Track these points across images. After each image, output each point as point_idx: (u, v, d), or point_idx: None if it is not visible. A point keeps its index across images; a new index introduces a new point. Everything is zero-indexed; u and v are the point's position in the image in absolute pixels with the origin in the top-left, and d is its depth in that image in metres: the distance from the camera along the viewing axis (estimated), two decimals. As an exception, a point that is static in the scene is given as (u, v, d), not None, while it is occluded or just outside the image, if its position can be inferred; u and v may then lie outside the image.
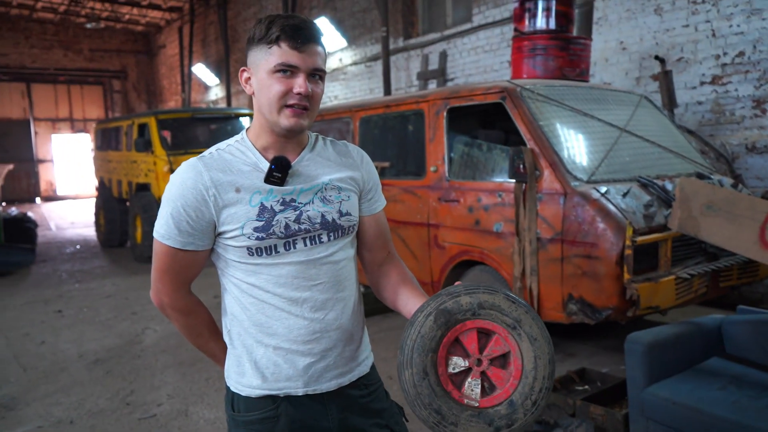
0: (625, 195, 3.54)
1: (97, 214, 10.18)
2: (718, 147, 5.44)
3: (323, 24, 10.57)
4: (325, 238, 1.39)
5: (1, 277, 7.72)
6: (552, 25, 4.59)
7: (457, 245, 4.19)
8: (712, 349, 2.98)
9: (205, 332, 1.49)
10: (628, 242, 3.29)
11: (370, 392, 1.50)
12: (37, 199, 20.01)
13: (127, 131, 9.03)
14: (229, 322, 1.43)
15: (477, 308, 1.26)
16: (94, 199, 10.55)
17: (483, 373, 1.25)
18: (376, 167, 4.96)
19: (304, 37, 1.31)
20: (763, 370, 2.78)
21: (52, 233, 12.01)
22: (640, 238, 3.35)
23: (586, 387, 3.40)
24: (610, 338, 4.44)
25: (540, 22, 4.61)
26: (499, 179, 4.00)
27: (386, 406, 1.53)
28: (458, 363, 1.26)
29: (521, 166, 3.69)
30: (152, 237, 1.38)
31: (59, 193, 20.64)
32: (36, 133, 20.12)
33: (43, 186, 20.35)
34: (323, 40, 1.37)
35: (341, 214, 1.42)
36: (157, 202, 7.58)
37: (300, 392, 1.39)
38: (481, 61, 8.06)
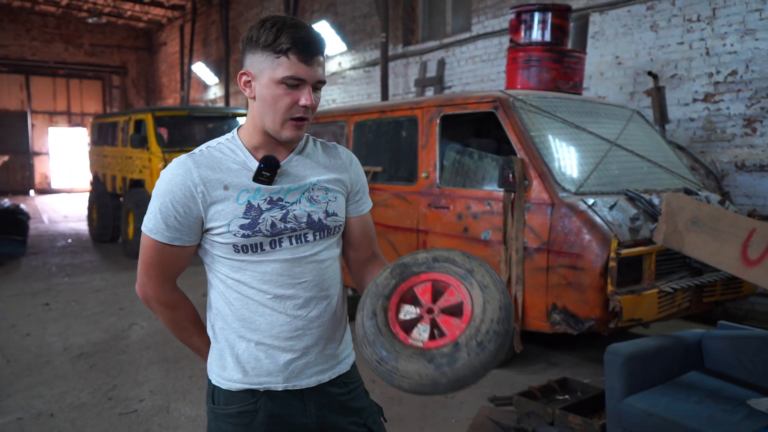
0: (612, 207, 3.58)
1: (90, 209, 10.17)
2: (708, 164, 5.49)
3: (324, 28, 10.63)
4: (310, 237, 1.41)
5: (-9, 268, 7.70)
6: (547, 37, 4.64)
7: (445, 252, 4.21)
8: (691, 363, 3.01)
9: (190, 326, 1.51)
10: (612, 254, 3.33)
11: (350, 390, 1.52)
12: (31, 192, 19.94)
13: (123, 127, 9.03)
14: (213, 317, 1.45)
15: (432, 261, 1.34)
16: (88, 194, 10.53)
17: (434, 321, 1.27)
18: (369, 171, 5.00)
19: (314, 50, 1.32)
20: (741, 385, 2.81)
21: (45, 226, 11.98)
22: (624, 251, 3.38)
23: (567, 396, 3.42)
24: (594, 349, 4.47)
25: (535, 34, 4.65)
26: (488, 188, 4.03)
27: (365, 405, 1.55)
28: (409, 310, 1.30)
29: (511, 175, 3.72)
30: None
31: (54, 186, 20.58)
32: (33, 125, 20.08)
33: (37, 179, 20.29)
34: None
35: (327, 214, 1.44)
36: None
37: (280, 387, 1.41)
38: (478, 70, 8.11)
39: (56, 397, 3.65)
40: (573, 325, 3.47)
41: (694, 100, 5.67)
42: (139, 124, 8.41)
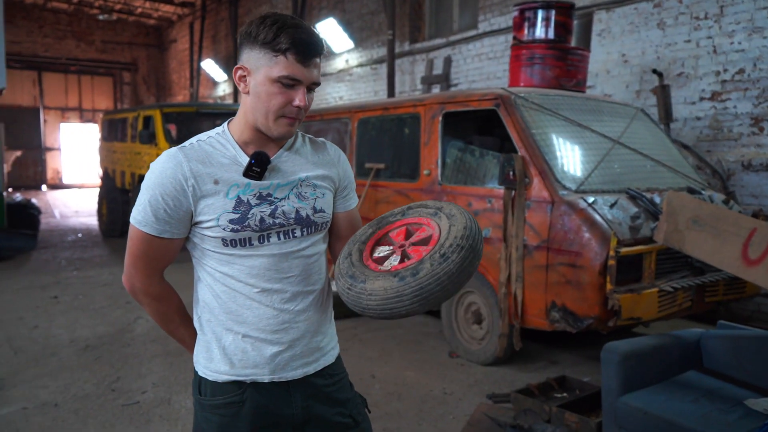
0: (612, 206, 3.57)
1: (99, 204, 10.27)
2: (714, 163, 5.46)
3: (331, 25, 10.64)
4: (298, 233, 1.43)
5: (2, 261, 7.79)
6: (551, 34, 4.62)
7: (446, 249, 4.22)
8: (690, 362, 3.01)
9: (176, 318, 1.53)
10: (612, 253, 3.32)
11: (335, 382, 1.54)
12: (43, 187, 20.15)
13: (132, 123, 9.11)
14: (201, 309, 1.47)
15: (406, 210, 1.47)
16: (98, 189, 10.63)
17: (404, 252, 1.35)
18: (372, 168, 5.02)
19: (312, 52, 1.33)
20: (739, 385, 2.81)
21: (56, 221, 12.10)
22: (624, 249, 3.38)
23: (564, 394, 3.43)
24: (595, 348, 4.46)
25: (539, 32, 4.64)
26: (489, 185, 4.04)
27: (350, 397, 1.57)
28: (383, 249, 1.40)
29: (511, 173, 3.72)
30: None
31: (65, 181, 20.79)
32: (45, 121, 20.29)
33: (49, 174, 20.50)
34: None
35: (315, 210, 1.45)
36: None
37: (266, 379, 1.43)
38: (484, 68, 8.10)
39: (61, 387, 3.71)
40: (572, 323, 3.47)
41: (701, 99, 5.64)
42: (148, 121, 8.48)
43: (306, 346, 1.47)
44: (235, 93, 14.67)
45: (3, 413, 3.35)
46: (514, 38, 4.89)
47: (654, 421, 2.53)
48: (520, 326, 3.77)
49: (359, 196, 5.02)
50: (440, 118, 4.38)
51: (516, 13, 4.85)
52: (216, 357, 1.43)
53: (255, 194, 1.38)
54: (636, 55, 6.20)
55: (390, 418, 3.31)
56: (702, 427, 2.40)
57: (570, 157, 3.95)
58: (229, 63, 15.70)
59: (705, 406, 2.58)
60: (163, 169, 1.36)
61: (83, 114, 21.12)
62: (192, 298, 1.51)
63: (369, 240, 1.42)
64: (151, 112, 8.45)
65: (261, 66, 1.34)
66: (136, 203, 1.39)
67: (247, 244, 1.38)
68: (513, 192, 3.75)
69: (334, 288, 1.78)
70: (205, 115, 8.85)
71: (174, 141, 8.08)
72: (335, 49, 11.02)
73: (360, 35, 10.61)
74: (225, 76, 16.04)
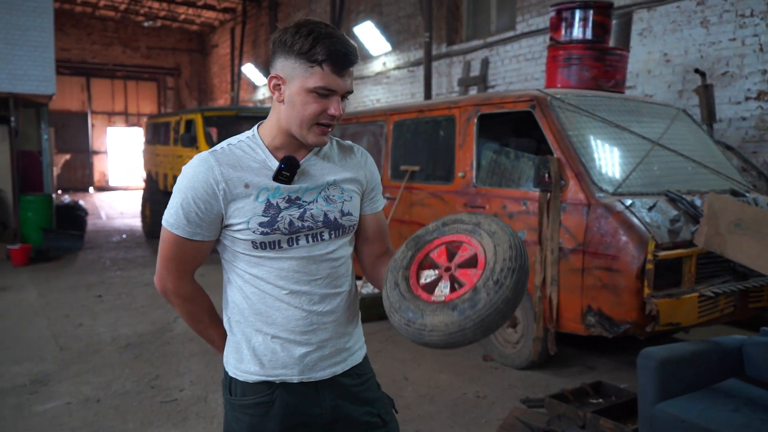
0: (651, 209, 3.49)
1: (143, 206, 10.56)
2: (760, 165, 5.27)
3: (369, 28, 10.70)
4: (326, 236, 1.45)
5: (50, 261, 8.10)
6: (588, 35, 4.55)
7: (480, 251, 4.20)
8: (731, 369, 2.91)
9: (206, 319, 1.57)
10: (649, 256, 3.25)
11: (363, 382, 1.55)
12: (91, 189, 20.83)
13: (175, 127, 9.34)
14: (230, 311, 1.50)
15: (441, 226, 1.43)
16: (142, 191, 10.93)
17: (452, 276, 1.32)
18: (407, 170, 5.03)
19: (348, 63, 1.34)
20: (783, 395, 2.71)
21: (102, 222, 12.50)
22: (662, 253, 3.30)
23: (600, 400, 3.36)
24: (634, 354, 4.36)
25: (576, 32, 4.57)
26: (524, 188, 4.00)
27: (378, 396, 1.58)
28: (429, 274, 1.37)
29: (546, 175, 3.68)
30: None
31: (111, 183, 21.45)
32: (93, 125, 20.99)
33: (96, 176, 21.19)
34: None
35: (343, 213, 1.47)
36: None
37: (295, 380, 1.45)
38: (522, 69, 8.02)
39: (103, 384, 3.83)
40: (608, 327, 3.40)
41: (747, 99, 5.46)
42: (190, 124, 8.69)
43: (334, 347, 1.49)
44: (274, 97, 14.88)
45: (48, 407, 3.49)
46: (551, 39, 4.83)
47: (692, 429, 2.46)
48: (555, 330, 3.72)
49: (395, 199, 5.03)
50: (475, 120, 4.36)
51: (553, 14, 4.79)
52: (246, 358, 1.46)
53: (284, 198, 1.40)
54: (678, 54, 6.05)
55: (422, 421, 3.31)
56: (742, 437, 2.33)
57: (607, 159, 3.88)
58: (268, 67, 15.93)
59: (746, 416, 2.49)
60: (195, 173, 1.39)
61: (129, 118, 21.76)
62: (221, 300, 1.54)
63: (411, 264, 1.39)
64: (193, 116, 8.65)
65: (296, 76, 1.35)
66: (168, 206, 1.42)
67: (277, 247, 1.40)
68: (548, 194, 3.70)
69: (363, 290, 1.80)
70: (244, 119, 9.00)
71: (214, 144, 8.24)
72: (373, 52, 11.08)
73: (397, 38, 10.64)
74: (264, 80, 16.30)
